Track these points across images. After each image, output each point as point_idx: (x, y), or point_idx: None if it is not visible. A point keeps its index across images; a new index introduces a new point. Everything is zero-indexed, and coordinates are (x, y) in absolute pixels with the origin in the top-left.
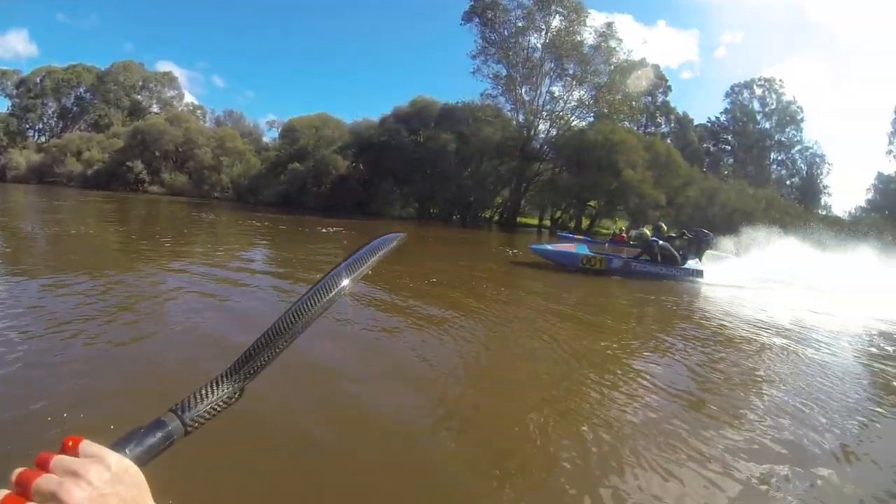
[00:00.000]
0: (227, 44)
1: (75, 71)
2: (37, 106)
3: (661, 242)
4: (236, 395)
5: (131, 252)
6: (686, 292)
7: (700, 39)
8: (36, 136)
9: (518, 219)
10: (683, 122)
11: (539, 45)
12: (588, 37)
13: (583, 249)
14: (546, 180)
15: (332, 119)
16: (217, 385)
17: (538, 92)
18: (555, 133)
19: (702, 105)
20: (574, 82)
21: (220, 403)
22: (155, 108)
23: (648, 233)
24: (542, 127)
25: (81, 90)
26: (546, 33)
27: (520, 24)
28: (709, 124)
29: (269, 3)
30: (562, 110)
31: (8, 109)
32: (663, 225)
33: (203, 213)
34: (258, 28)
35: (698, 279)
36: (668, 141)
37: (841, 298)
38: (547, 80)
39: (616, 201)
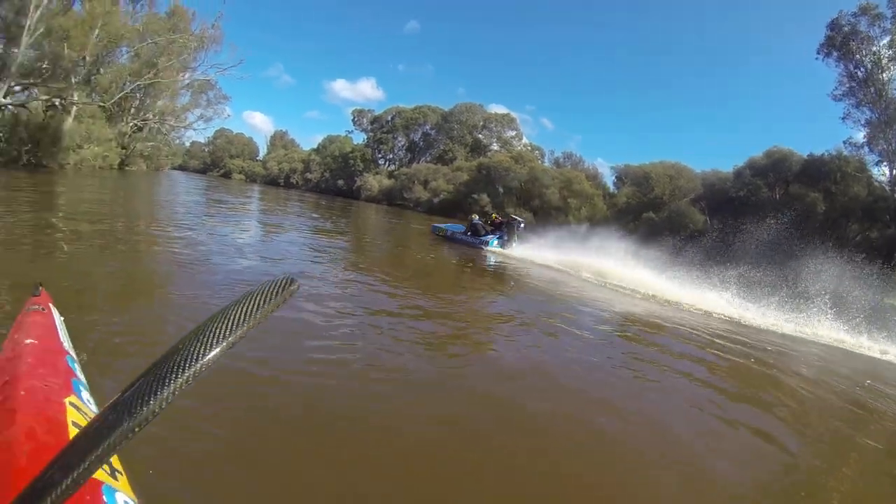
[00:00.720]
0: (555, 89)
1: (422, 111)
2: (388, 139)
3: (474, 222)
4: None
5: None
6: (481, 256)
7: None
8: (387, 165)
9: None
10: None
11: None
12: None
13: (448, 226)
14: None
15: (685, 169)
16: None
17: None
18: None
19: None
20: None
21: None
22: (495, 146)
23: (475, 217)
24: None
25: (427, 127)
26: None
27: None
28: None
29: (597, 50)
30: None
31: (364, 141)
32: (494, 214)
33: None
34: (588, 73)
35: (484, 247)
36: None
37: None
38: None
39: None
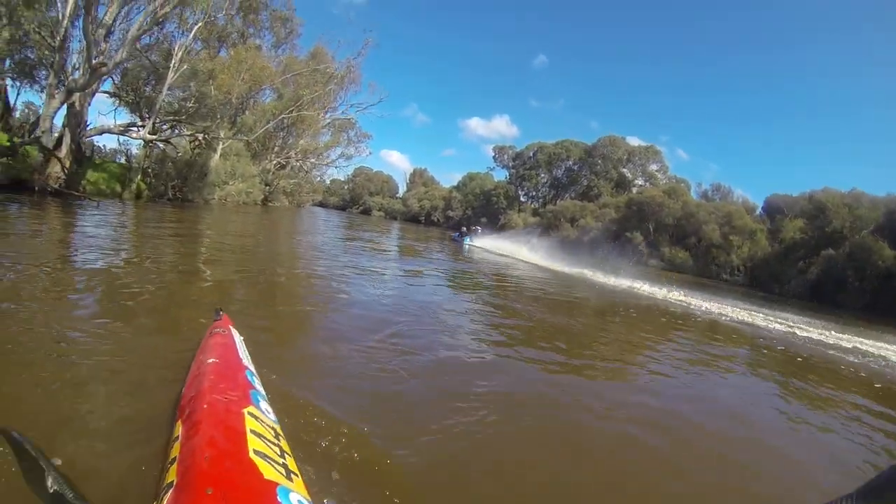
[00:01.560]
0: (690, 120)
1: (564, 146)
2: (532, 176)
3: (463, 230)
4: None
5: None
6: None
7: None
8: (530, 202)
9: None
10: None
11: None
12: None
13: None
14: None
15: (863, 195)
16: None
17: None
18: None
19: None
20: None
21: None
22: (639, 181)
23: (463, 229)
24: None
25: (570, 162)
26: None
27: None
28: None
29: (735, 78)
30: None
31: (506, 178)
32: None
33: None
34: (723, 102)
35: (460, 241)
36: None
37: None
38: None
39: None
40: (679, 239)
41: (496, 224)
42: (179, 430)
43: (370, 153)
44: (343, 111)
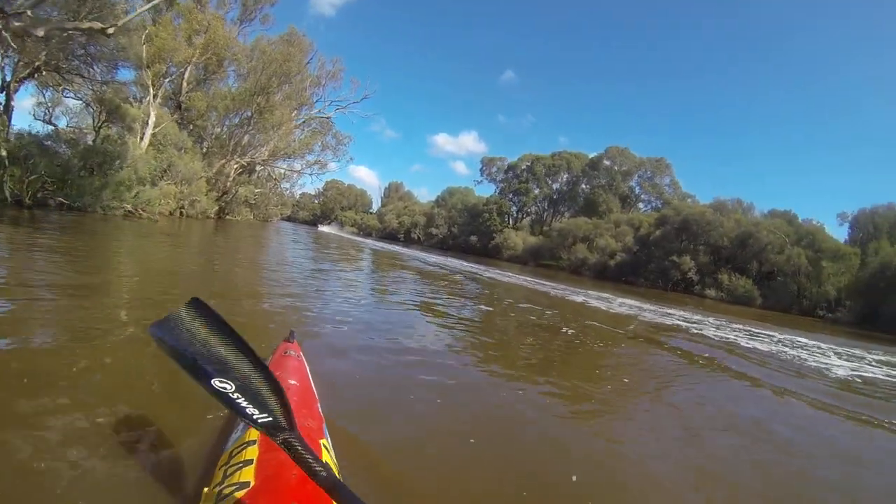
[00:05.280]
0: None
1: (563, 157)
2: (529, 190)
3: None
4: None
5: None
6: None
7: None
8: (522, 218)
9: None
10: None
11: None
12: None
13: None
14: None
15: None
16: None
17: None
18: None
19: None
20: None
21: None
22: (644, 196)
23: None
24: None
25: (569, 175)
26: None
27: None
28: None
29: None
30: None
31: (496, 192)
32: None
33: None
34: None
35: None
36: None
37: None
38: None
39: None
40: (738, 266)
41: (488, 243)
42: (257, 436)
43: (352, 159)
44: (320, 110)
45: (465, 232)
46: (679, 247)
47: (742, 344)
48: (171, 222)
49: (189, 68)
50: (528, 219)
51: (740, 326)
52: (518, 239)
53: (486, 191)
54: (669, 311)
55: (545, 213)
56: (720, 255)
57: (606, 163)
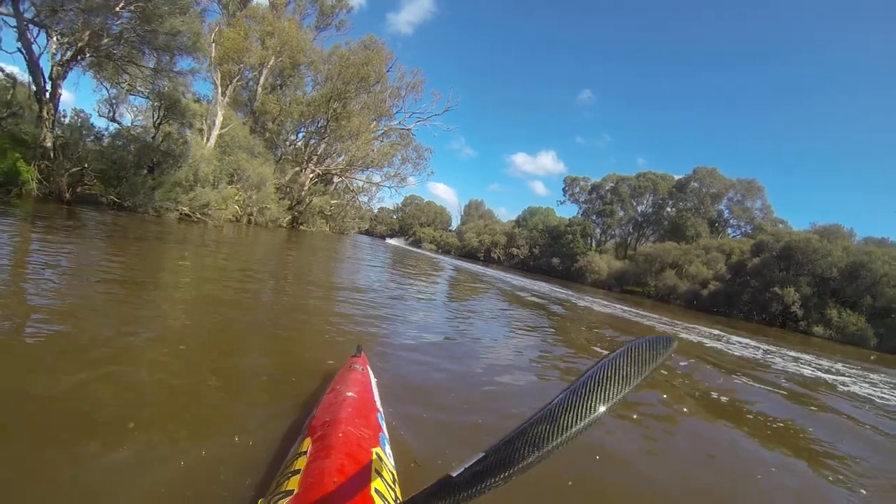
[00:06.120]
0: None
1: (649, 178)
2: (614, 211)
3: None
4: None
5: None
6: None
7: None
8: (606, 241)
9: None
10: None
11: None
12: None
13: None
14: None
15: None
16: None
17: None
18: None
19: None
20: None
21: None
22: (733, 221)
23: None
24: None
25: (655, 197)
26: None
27: None
28: None
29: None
30: None
31: (578, 213)
32: None
33: None
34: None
35: None
36: None
37: None
38: None
39: None
40: (849, 301)
41: (571, 265)
42: (308, 447)
43: (432, 172)
44: (400, 121)
45: (547, 253)
46: (779, 276)
47: None
48: (236, 229)
49: (264, 73)
50: (612, 241)
51: None
52: (603, 263)
53: (566, 212)
54: (802, 355)
55: (629, 237)
56: (826, 288)
57: (694, 184)
